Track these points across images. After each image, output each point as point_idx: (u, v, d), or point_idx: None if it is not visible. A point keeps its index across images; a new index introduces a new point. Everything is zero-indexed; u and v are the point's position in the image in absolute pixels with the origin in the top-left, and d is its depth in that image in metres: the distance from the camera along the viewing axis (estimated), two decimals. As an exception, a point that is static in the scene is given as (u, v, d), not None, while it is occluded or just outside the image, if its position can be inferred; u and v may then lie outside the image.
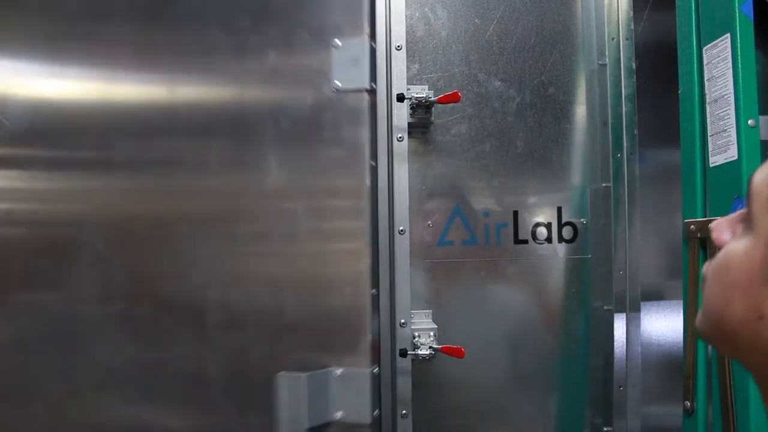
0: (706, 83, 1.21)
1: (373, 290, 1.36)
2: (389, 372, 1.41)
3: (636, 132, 1.52)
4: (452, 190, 1.48)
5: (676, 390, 1.55)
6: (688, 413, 1.25)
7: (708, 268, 0.53)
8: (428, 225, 1.47)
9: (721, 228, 0.54)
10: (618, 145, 1.54)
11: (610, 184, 1.55)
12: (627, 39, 1.56)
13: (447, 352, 1.35)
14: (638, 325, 1.55)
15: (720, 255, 0.51)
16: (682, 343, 1.28)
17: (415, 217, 1.45)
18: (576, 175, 1.55)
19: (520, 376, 1.54)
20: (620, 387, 1.53)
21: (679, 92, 1.29)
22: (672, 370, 1.56)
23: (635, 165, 1.52)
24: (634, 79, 1.54)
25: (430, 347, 1.36)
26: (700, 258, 1.21)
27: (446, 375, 1.48)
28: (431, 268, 1.47)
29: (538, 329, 1.54)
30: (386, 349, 1.41)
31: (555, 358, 1.55)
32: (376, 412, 1.36)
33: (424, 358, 1.35)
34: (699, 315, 0.54)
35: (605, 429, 1.56)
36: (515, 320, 1.52)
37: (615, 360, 1.55)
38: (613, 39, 1.56)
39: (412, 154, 1.44)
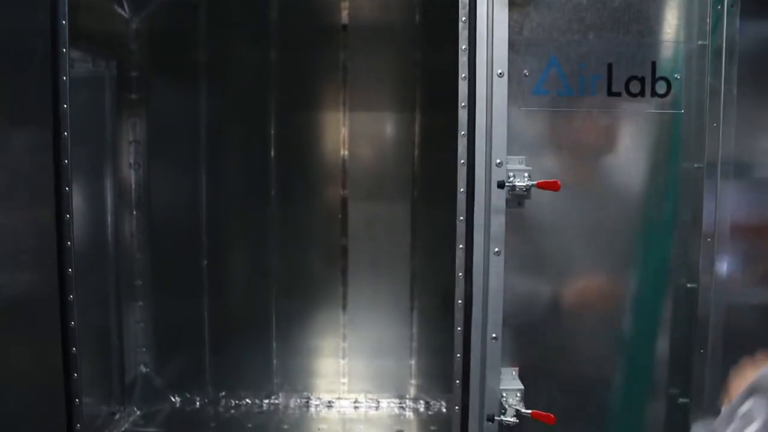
0: None
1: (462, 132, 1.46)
2: (483, 212, 1.49)
3: (740, -17, 1.51)
4: (549, 41, 1.52)
5: None
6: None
7: None
8: (524, 74, 1.51)
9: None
10: (719, -4, 1.53)
11: (707, 42, 1.55)
12: None
13: (543, 186, 1.42)
14: (730, 182, 1.56)
15: None
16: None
17: (513, 66, 1.50)
18: (671, 31, 1.55)
19: (605, 226, 1.58)
20: (708, 239, 1.56)
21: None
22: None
23: (736, 18, 1.51)
24: (739, -76, 1.52)
25: (527, 181, 1.43)
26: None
27: (538, 221, 1.54)
28: (526, 116, 1.52)
29: (626, 182, 1.57)
30: (481, 188, 1.48)
31: (640, 212, 1.58)
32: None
33: (521, 189, 1.42)
34: None
35: (689, 285, 1.60)
36: (604, 170, 1.57)
37: (704, 220, 1.56)
38: None
39: (511, 3, 1.48)
